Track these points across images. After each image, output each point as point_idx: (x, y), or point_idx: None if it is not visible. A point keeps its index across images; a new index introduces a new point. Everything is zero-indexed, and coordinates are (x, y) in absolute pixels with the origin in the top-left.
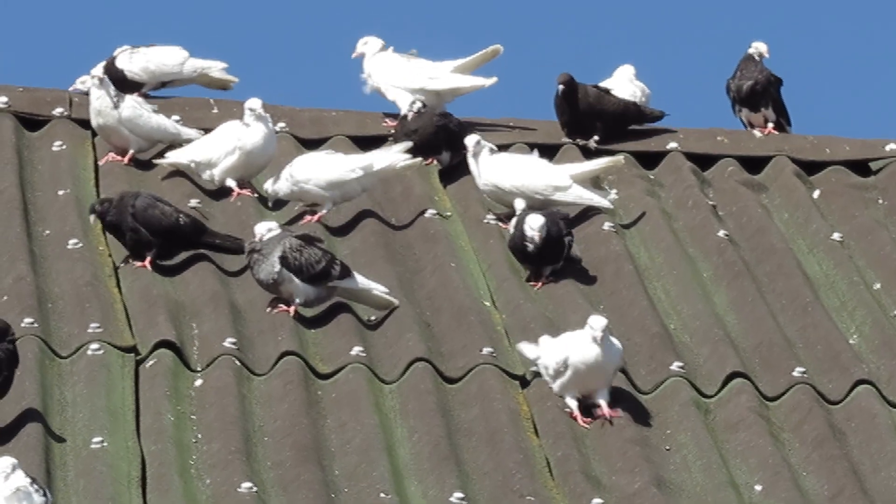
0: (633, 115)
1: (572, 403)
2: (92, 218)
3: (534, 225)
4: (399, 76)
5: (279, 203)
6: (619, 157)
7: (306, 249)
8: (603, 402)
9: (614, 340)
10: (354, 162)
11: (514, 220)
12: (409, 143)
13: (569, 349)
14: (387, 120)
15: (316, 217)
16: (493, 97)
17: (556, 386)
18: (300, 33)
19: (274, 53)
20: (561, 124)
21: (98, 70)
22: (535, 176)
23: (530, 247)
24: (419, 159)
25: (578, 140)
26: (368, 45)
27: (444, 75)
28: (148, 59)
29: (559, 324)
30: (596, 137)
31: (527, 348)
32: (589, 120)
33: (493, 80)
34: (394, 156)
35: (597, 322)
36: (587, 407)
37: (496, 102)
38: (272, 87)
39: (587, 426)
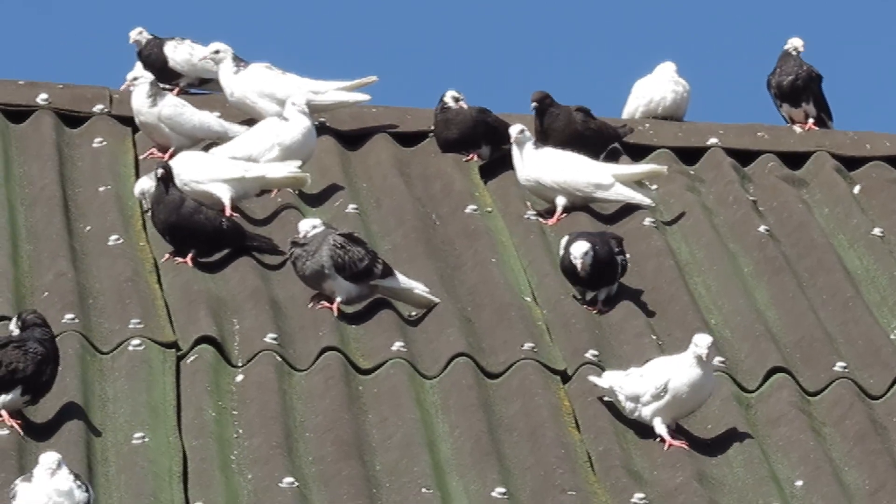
0: (612, 135)
1: (662, 429)
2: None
3: (576, 253)
4: (280, 88)
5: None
6: (663, 168)
7: (350, 247)
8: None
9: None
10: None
11: (563, 241)
12: (298, 162)
13: (670, 372)
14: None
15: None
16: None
17: (647, 411)
18: (327, 25)
19: (309, 47)
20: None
21: (137, 71)
22: (578, 173)
23: (581, 273)
24: (303, 175)
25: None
26: (221, 54)
27: (328, 90)
28: (192, 54)
29: (600, 319)
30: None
31: (598, 380)
32: (564, 141)
33: (368, 96)
34: (273, 168)
35: (702, 340)
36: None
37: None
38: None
39: (685, 447)
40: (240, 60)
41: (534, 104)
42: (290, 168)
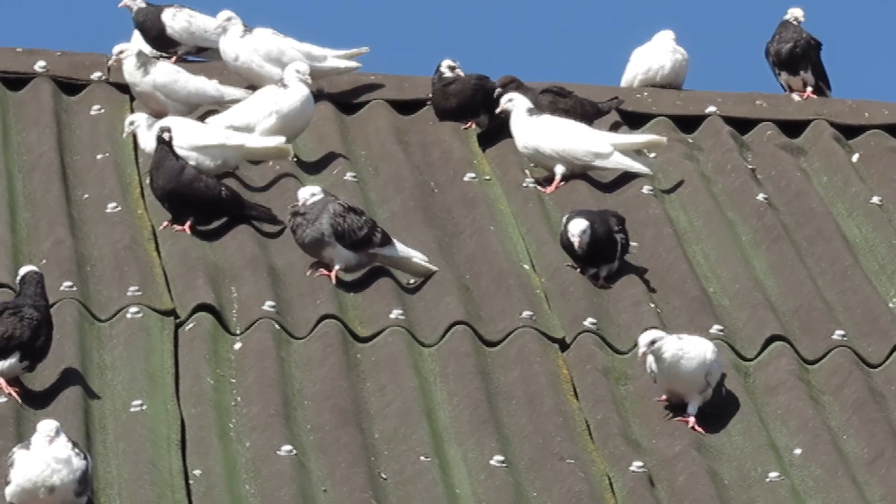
0: (590, 112)
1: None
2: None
3: (574, 230)
4: (285, 52)
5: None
6: (663, 138)
7: (349, 216)
8: (691, 411)
9: (700, 347)
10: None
11: (564, 218)
12: (282, 138)
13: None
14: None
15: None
16: (534, 63)
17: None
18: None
19: (303, 13)
20: None
21: (123, 45)
22: (577, 141)
23: (578, 251)
24: (286, 147)
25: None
26: (234, 20)
27: (329, 56)
28: (190, 21)
29: (598, 288)
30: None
31: None
32: None
33: (358, 64)
34: (255, 138)
35: (641, 339)
36: (681, 406)
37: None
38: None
39: (686, 423)
40: (245, 26)
41: (498, 90)
42: (274, 139)
